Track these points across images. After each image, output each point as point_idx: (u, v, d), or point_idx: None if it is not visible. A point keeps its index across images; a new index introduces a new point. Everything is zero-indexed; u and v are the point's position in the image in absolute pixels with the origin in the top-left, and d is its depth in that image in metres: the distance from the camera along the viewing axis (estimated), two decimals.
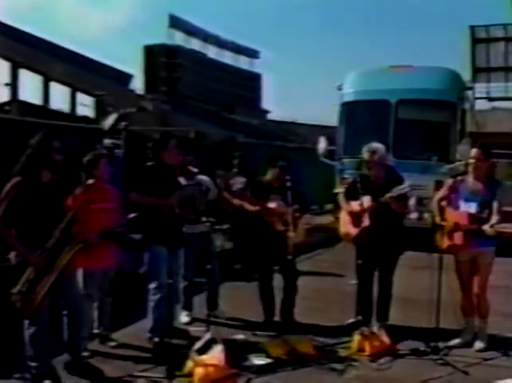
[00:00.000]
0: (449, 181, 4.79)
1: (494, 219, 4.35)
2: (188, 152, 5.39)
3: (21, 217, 3.68)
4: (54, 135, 3.88)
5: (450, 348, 4.54)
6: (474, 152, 4.58)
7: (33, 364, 3.75)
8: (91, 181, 4.43)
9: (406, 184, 4.74)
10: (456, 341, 4.64)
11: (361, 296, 5.08)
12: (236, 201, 5.51)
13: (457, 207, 4.56)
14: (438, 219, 4.66)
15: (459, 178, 4.67)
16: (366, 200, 4.85)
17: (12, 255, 3.77)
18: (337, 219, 5.38)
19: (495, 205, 4.41)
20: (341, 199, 5.20)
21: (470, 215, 4.43)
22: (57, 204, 3.82)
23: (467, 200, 4.52)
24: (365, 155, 4.92)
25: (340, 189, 5.28)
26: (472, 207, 4.47)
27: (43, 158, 3.77)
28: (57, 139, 3.85)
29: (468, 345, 4.60)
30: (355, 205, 4.97)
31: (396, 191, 4.70)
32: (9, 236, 3.66)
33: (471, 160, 4.54)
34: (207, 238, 5.31)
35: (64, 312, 3.95)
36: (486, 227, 4.32)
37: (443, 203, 4.65)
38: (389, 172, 5.02)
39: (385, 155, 5.03)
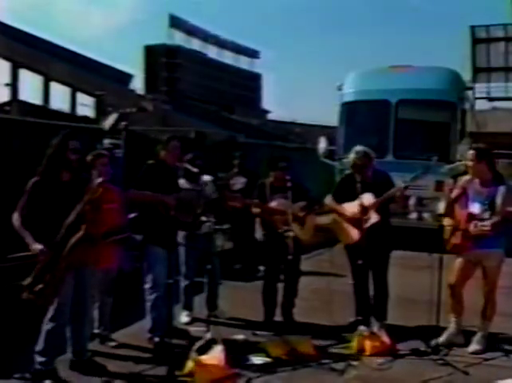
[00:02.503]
0: (450, 181, 4.78)
1: (487, 216, 4.33)
2: (196, 154, 5.38)
3: (42, 216, 3.75)
4: (72, 135, 3.98)
5: (451, 348, 4.54)
6: (468, 154, 4.59)
7: (41, 359, 3.78)
8: (100, 179, 4.43)
9: (418, 172, 4.76)
10: (441, 339, 4.61)
11: (358, 296, 5.09)
12: (237, 205, 5.51)
13: (465, 208, 4.55)
14: (447, 221, 4.64)
15: (467, 178, 4.64)
16: (367, 198, 4.84)
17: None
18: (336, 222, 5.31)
19: (498, 205, 4.37)
20: (331, 201, 5.16)
21: (469, 215, 4.43)
22: (78, 202, 3.84)
23: (473, 201, 4.50)
24: (358, 159, 4.92)
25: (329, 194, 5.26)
26: (476, 208, 4.46)
27: (59, 158, 3.85)
28: (75, 139, 3.94)
29: (466, 344, 4.59)
30: (351, 206, 4.95)
31: (409, 180, 4.72)
32: (22, 229, 3.72)
33: (469, 163, 4.54)
34: (208, 239, 5.32)
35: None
36: (470, 227, 4.34)
37: (456, 205, 4.62)
38: (374, 171, 5.02)
39: (374, 156, 5.06)
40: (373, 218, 4.80)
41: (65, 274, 3.74)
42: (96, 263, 4.23)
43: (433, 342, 4.54)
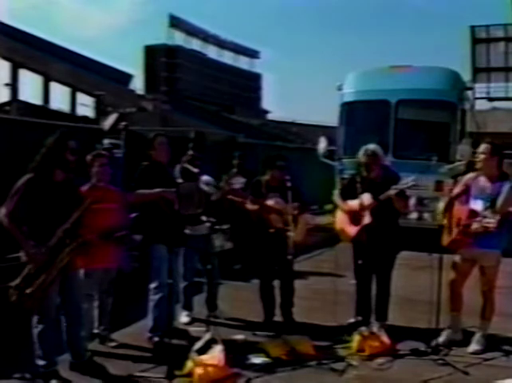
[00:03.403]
0: (449, 181, 4.78)
1: (489, 214, 4.32)
2: (195, 155, 5.38)
3: (32, 214, 3.72)
4: (70, 135, 3.94)
5: (451, 348, 4.53)
6: (482, 147, 4.55)
7: (42, 362, 3.78)
8: (94, 181, 4.44)
9: (410, 179, 4.75)
10: (441, 339, 4.60)
11: (360, 296, 5.08)
12: (237, 199, 5.52)
13: (466, 205, 4.53)
14: (445, 218, 4.65)
15: (471, 175, 4.64)
16: (366, 197, 4.85)
17: (22, 254, 3.80)
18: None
19: (499, 203, 4.38)
20: (337, 198, 5.21)
21: (471, 211, 4.42)
22: (69, 203, 3.84)
23: (476, 198, 4.49)
24: (364, 158, 4.94)
25: (336, 189, 5.29)
26: (479, 205, 4.45)
27: (57, 157, 3.82)
28: (73, 139, 3.90)
29: (466, 344, 4.59)
30: (353, 204, 4.97)
31: (400, 185, 4.72)
32: (15, 230, 3.68)
33: (481, 156, 4.52)
34: (207, 239, 5.32)
35: (62, 311, 3.96)
36: (473, 224, 4.34)
37: (456, 202, 4.62)
38: (385, 171, 5.06)
39: (382, 155, 5.07)
40: (366, 219, 4.83)
41: (56, 278, 3.72)
42: (90, 264, 4.24)
43: (433, 342, 4.54)
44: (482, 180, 4.53)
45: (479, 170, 4.56)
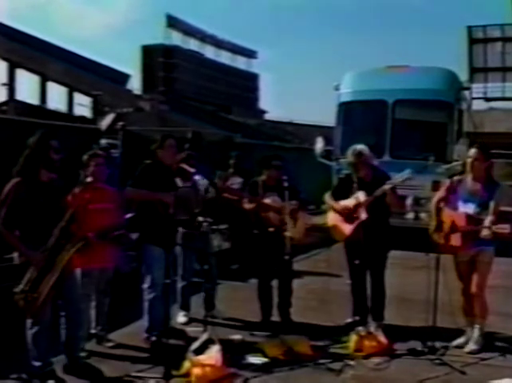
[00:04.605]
0: (446, 181, 4.78)
1: (489, 219, 4.32)
2: (190, 154, 5.38)
3: (21, 217, 3.69)
4: (51, 134, 3.91)
5: (448, 348, 4.54)
6: (472, 151, 4.57)
7: (37, 363, 3.76)
8: (89, 179, 4.43)
9: (404, 172, 4.76)
10: (459, 340, 4.64)
11: (356, 296, 5.09)
12: (232, 197, 5.52)
13: (455, 208, 4.55)
14: (434, 220, 4.66)
15: (457, 178, 4.65)
16: (361, 195, 4.86)
17: (15, 255, 3.79)
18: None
19: (492, 205, 4.39)
20: (328, 198, 5.22)
21: (468, 216, 4.42)
22: (56, 203, 3.83)
23: (466, 201, 4.49)
24: (351, 157, 4.98)
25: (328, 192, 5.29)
26: (470, 208, 4.45)
27: (41, 157, 3.79)
28: (55, 138, 3.87)
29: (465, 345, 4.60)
30: (346, 202, 4.97)
31: (395, 179, 4.73)
32: (11, 237, 3.68)
33: (469, 160, 4.54)
34: (205, 239, 5.32)
35: (62, 313, 3.95)
36: (483, 230, 4.31)
37: (441, 205, 4.64)
38: (375, 171, 5.07)
39: (370, 155, 5.08)
40: (362, 215, 4.83)
41: (54, 281, 3.71)
42: (87, 264, 4.23)
43: (452, 343, 4.56)
44: (471, 182, 4.54)
45: (467, 172, 4.57)
